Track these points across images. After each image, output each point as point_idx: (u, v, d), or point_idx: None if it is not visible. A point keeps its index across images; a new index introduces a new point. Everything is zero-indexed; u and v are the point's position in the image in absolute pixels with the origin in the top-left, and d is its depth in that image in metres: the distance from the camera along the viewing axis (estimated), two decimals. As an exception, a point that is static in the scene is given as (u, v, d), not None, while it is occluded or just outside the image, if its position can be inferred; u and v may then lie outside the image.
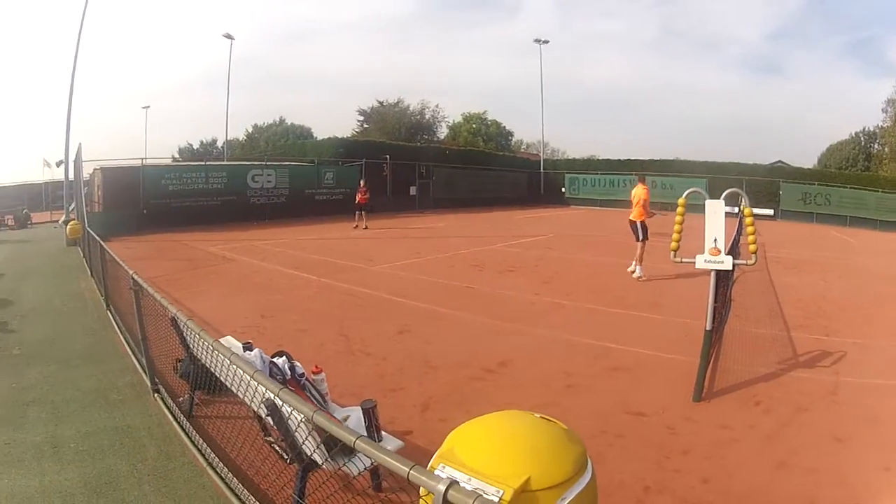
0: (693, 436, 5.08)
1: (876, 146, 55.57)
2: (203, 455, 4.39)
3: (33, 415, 5.21)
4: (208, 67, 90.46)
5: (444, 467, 1.79)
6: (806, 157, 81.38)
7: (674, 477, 4.35)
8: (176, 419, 5.05)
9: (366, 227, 22.49)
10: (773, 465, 4.62)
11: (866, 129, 56.98)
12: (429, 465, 1.82)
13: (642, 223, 12.51)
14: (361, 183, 24.34)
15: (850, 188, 38.97)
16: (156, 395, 5.57)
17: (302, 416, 2.55)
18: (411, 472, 1.68)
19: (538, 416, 2.06)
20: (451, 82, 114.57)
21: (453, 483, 1.58)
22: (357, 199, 23.45)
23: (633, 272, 12.40)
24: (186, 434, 4.76)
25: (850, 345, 8.09)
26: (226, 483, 3.97)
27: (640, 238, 12.45)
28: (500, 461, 1.75)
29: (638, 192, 12.76)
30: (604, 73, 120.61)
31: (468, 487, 1.63)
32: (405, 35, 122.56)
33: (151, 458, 4.43)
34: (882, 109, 53.53)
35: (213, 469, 4.18)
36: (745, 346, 7.85)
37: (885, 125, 53.41)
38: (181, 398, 5.27)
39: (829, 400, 6.12)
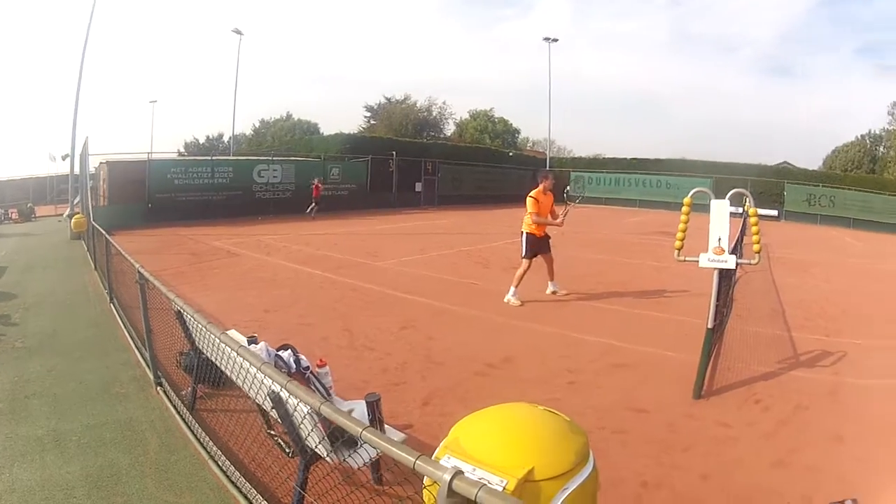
0: (693, 433, 5.11)
1: (881, 149, 55.67)
2: (205, 448, 4.40)
3: (35, 408, 5.22)
4: (217, 62, 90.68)
5: (448, 457, 1.81)
6: (812, 159, 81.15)
7: (673, 473, 4.37)
8: (178, 412, 5.06)
9: (313, 218, 24.45)
10: (772, 462, 4.64)
11: (872, 131, 57.12)
12: (434, 456, 1.84)
13: (530, 236, 10.10)
14: (317, 180, 26.06)
15: (856, 190, 38.99)
16: (158, 388, 5.59)
17: (309, 407, 2.56)
18: (417, 461, 1.70)
19: (542, 408, 2.08)
20: (459, 80, 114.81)
21: (458, 472, 1.60)
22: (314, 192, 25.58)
23: (508, 299, 9.80)
24: (189, 427, 4.78)
25: (850, 345, 8.11)
26: (227, 476, 3.99)
27: (523, 254, 10.12)
28: (504, 452, 1.77)
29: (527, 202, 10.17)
30: (612, 73, 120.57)
31: (473, 477, 1.64)
32: (414, 32, 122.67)
33: (153, 451, 4.44)
34: (888, 112, 53.66)
35: (215, 462, 4.19)
36: (745, 345, 7.88)
37: (891, 128, 53.51)
38: (184, 391, 5.29)
39: (829, 399, 6.14)
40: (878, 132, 56.51)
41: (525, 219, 10.16)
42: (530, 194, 10.07)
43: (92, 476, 4.03)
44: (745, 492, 4.17)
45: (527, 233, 10.11)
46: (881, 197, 37.92)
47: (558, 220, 10.31)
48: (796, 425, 5.42)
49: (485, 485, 1.55)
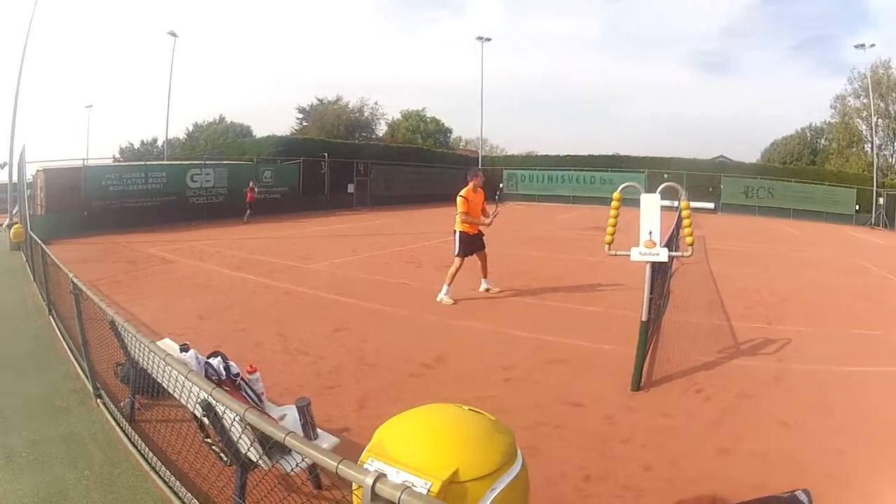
0: (633, 425, 5.15)
1: (823, 141, 57.32)
2: (146, 460, 4.31)
3: (-21, 425, 5.07)
4: (151, 65, 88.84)
5: (372, 461, 1.80)
6: (750, 153, 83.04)
7: (615, 465, 4.40)
8: (119, 424, 4.95)
9: (246, 222, 24.20)
10: (718, 450, 4.70)
11: (813, 124, 58.80)
12: (358, 460, 1.84)
13: (464, 234, 10.08)
14: (251, 183, 25.93)
15: (796, 182, 40.11)
16: (98, 400, 5.46)
17: (234, 414, 2.54)
18: (339, 465, 1.69)
19: (466, 408, 2.08)
20: (392, 80, 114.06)
21: (381, 476, 1.59)
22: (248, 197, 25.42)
23: (441, 298, 9.81)
24: (129, 439, 4.67)
25: (793, 332, 8.30)
26: (169, 487, 3.92)
27: (456, 252, 10.07)
28: (427, 453, 1.77)
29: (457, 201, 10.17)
30: (546, 71, 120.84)
31: (397, 480, 1.65)
32: (346, 33, 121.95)
33: (98, 464, 4.35)
34: (830, 105, 55.29)
35: (157, 473, 4.11)
36: (685, 336, 8.00)
37: (833, 121, 55.13)
38: (123, 403, 5.20)
39: (774, 386, 6.25)
40: (819, 125, 58.21)
41: (457, 217, 10.13)
42: (460, 193, 10.05)
43: (42, 492, 3.93)
44: (692, 480, 4.21)
45: (459, 231, 10.08)
46: (821, 187, 39.17)
47: (487, 221, 10.27)
48: (741, 413, 5.51)
49: (408, 487, 1.56)
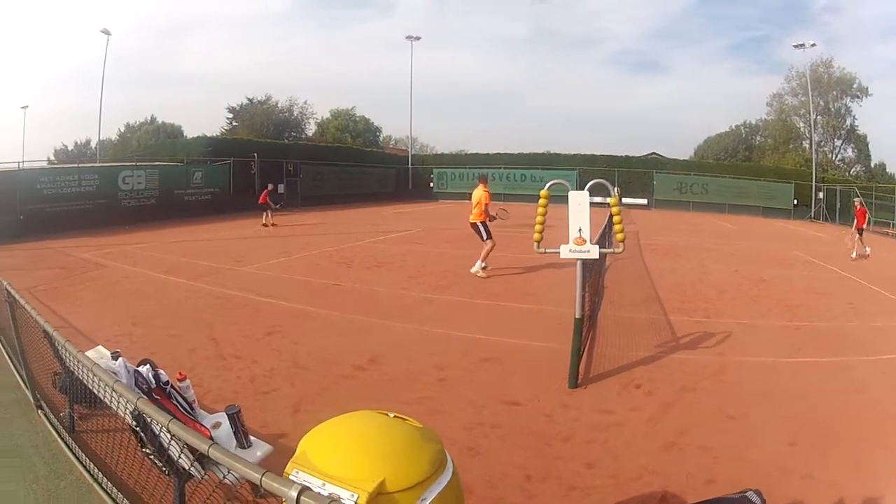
0: (572, 422, 5.21)
1: (759, 138, 58.86)
2: (88, 471, 4.26)
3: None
4: (84, 64, 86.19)
5: (297, 472, 1.78)
6: (682, 150, 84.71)
7: (556, 464, 4.44)
8: (60, 435, 4.86)
9: (265, 225, 23.56)
10: (662, 445, 4.77)
11: (748, 122, 60.44)
12: (284, 471, 1.86)
13: (484, 223, 12.54)
14: (269, 186, 25.01)
15: (731, 178, 41.04)
16: (39, 411, 5.37)
17: (160, 425, 2.55)
18: (263, 478, 1.71)
19: (392, 415, 2.08)
20: (320, 79, 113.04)
21: (305, 489, 1.61)
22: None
23: (476, 271, 12.30)
24: (71, 450, 4.60)
25: (733, 325, 8.52)
26: (112, 499, 3.88)
27: (485, 238, 12.52)
28: (353, 464, 1.75)
29: (477, 194, 12.74)
30: (476, 70, 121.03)
31: (322, 493, 1.66)
32: (275, 32, 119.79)
33: (43, 477, 4.28)
34: (767, 104, 56.96)
35: (99, 485, 4.06)
36: (621, 332, 8.16)
37: (770, 118, 56.60)
38: (62, 413, 5.13)
39: (716, 379, 6.37)
40: (754, 122, 59.81)
41: (473, 211, 12.63)
42: (485, 189, 12.76)
43: (-8, 506, 3.85)
44: (636, 476, 4.27)
45: (480, 222, 12.52)
46: (756, 183, 40.20)
47: (493, 214, 13.06)
48: (684, 407, 5.60)
49: (334, 500, 1.58)
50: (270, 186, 24.70)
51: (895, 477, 4.35)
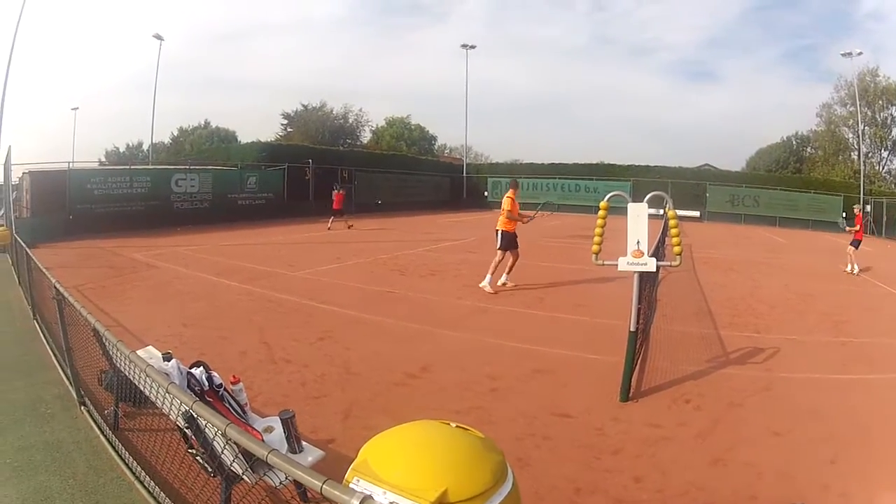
0: (622, 435, 5.12)
1: (809, 150, 57.83)
2: (131, 469, 4.25)
3: (-34, 430, 5.00)
4: (138, 69, 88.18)
5: (358, 481, 1.75)
6: (735, 161, 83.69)
7: (605, 477, 4.36)
8: (103, 433, 4.88)
9: (330, 227, 24.21)
10: (709, 461, 4.67)
11: (798, 133, 59.31)
12: (344, 479, 1.80)
13: (505, 232, 11.58)
14: (341, 190, 26.13)
15: (781, 190, 40.40)
16: (82, 407, 5.40)
17: (216, 429, 2.50)
18: (324, 486, 1.65)
19: (454, 425, 2.03)
20: (376, 87, 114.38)
21: (367, 497, 1.56)
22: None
23: (485, 285, 11.39)
24: (113, 448, 4.61)
25: (781, 341, 8.31)
26: (154, 498, 3.86)
27: (499, 246, 11.58)
28: (415, 473, 1.71)
29: (504, 202, 11.91)
30: (531, 79, 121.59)
31: (384, 502, 1.62)
32: (331, 39, 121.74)
33: (82, 473, 4.29)
34: (816, 114, 55.96)
35: (141, 483, 4.05)
36: (672, 346, 7.99)
37: (819, 129, 55.62)
38: (107, 411, 5.13)
39: (764, 395, 6.23)
40: (805, 133, 58.75)
41: (500, 218, 11.74)
42: (508, 195, 11.78)
43: (27, 500, 3.90)
44: (683, 492, 4.18)
45: (502, 230, 11.59)
46: (807, 195, 39.47)
47: (525, 219, 11.96)
48: (731, 423, 5.49)
49: None
50: (343, 191, 25.45)
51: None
